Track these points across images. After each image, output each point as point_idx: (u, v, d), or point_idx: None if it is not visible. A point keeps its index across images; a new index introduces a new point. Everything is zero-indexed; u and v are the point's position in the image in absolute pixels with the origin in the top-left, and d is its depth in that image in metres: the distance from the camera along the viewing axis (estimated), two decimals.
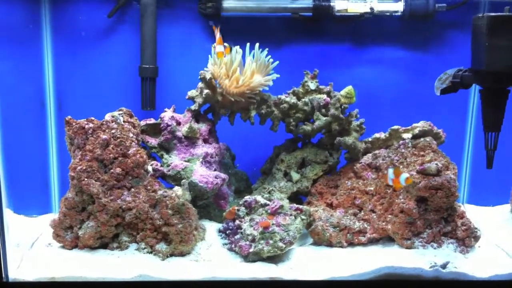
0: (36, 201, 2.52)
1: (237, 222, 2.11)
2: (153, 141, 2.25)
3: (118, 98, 2.47)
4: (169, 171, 2.16)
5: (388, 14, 2.41)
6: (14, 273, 1.84)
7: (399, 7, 2.40)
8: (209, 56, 2.26)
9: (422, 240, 2.03)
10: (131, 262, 1.94)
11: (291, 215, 2.06)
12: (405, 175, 1.93)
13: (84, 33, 2.44)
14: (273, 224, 2.00)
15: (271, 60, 2.27)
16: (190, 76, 2.33)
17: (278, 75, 2.28)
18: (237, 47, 2.25)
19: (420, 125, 2.26)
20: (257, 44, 2.25)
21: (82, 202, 2.01)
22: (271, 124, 2.36)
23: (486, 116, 1.93)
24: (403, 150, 2.21)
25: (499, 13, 1.82)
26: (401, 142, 2.25)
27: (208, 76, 2.23)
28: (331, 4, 2.39)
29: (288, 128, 2.37)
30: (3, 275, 1.82)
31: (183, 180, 2.13)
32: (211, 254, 2.04)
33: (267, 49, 2.26)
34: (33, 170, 2.52)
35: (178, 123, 2.26)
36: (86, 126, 2.02)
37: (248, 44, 2.25)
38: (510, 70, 1.83)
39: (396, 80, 2.54)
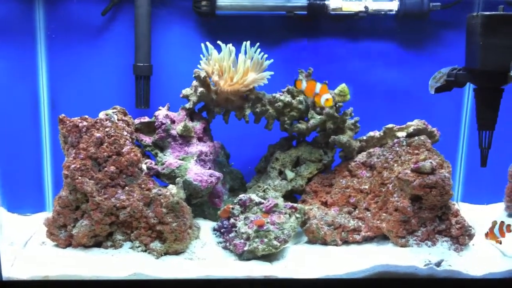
0: (30, 199, 2.51)
1: (231, 220, 2.10)
2: (147, 140, 2.25)
3: (112, 96, 2.47)
4: (163, 169, 2.16)
5: (382, 13, 2.41)
6: (8, 272, 1.83)
7: (394, 6, 2.40)
8: (201, 55, 2.26)
9: (416, 238, 2.03)
10: (125, 260, 1.93)
11: (285, 213, 2.06)
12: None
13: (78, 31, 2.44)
14: (267, 222, 2.00)
15: (266, 56, 2.26)
16: (184, 74, 2.33)
17: (273, 73, 2.28)
18: (230, 45, 2.25)
19: (415, 124, 2.26)
20: (248, 42, 2.24)
21: (76, 200, 2.00)
22: (265, 123, 2.36)
23: (480, 114, 1.93)
24: (397, 149, 2.21)
25: (493, 12, 1.83)
26: (395, 140, 2.25)
27: (202, 74, 2.23)
28: (326, 2, 2.39)
29: (283, 126, 2.37)
30: None
31: (178, 179, 2.12)
32: (205, 253, 2.04)
33: (257, 43, 2.25)
34: (26, 168, 2.51)
35: (173, 122, 2.26)
36: (80, 124, 2.02)
37: (244, 43, 2.24)
38: (504, 69, 1.83)
39: (391, 79, 2.55)
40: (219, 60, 2.25)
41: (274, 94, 2.33)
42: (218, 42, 2.25)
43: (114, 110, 2.16)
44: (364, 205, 2.19)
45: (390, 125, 2.29)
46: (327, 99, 2.12)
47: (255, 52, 2.25)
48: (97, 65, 2.47)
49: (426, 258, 1.92)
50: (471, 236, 2.05)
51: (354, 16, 2.41)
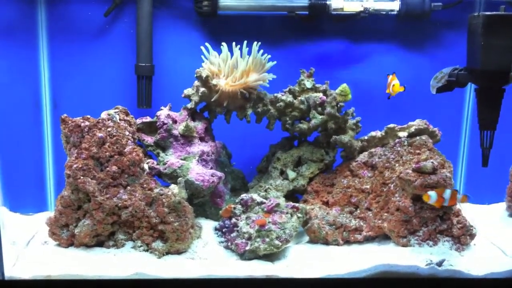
0: (32, 199, 2.52)
1: (233, 220, 2.11)
2: (149, 139, 2.25)
3: (114, 97, 2.47)
4: (165, 169, 2.16)
5: (384, 13, 2.42)
6: (10, 271, 1.84)
7: (395, 6, 2.40)
8: (202, 56, 2.26)
9: (418, 238, 2.03)
10: (127, 260, 1.94)
11: (287, 213, 2.07)
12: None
13: (80, 31, 2.44)
14: (269, 222, 2.01)
15: (269, 56, 2.27)
16: (186, 74, 2.33)
17: (275, 76, 2.28)
18: (233, 45, 2.25)
19: (416, 124, 2.26)
20: (255, 43, 2.25)
21: (78, 200, 2.00)
22: (267, 123, 2.36)
23: (482, 114, 1.94)
24: (399, 149, 2.21)
25: (494, 12, 1.83)
26: (397, 140, 2.25)
27: (204, 74, 2.23)
28: (327, 2, 2.39)
29: (284, 126, 2.37)
30: None
31: (179, 178, 2.13)
32: (207, 252, 2.04)
33: (259, 43, 2.25)
34: (29, 168, 2.52)
35: (174, 121, 2.26)
36: (82, 124, 2.02)
37: (245, 42, 2.25)
38: (506, 69, 1.84)
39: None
40: (221, 61, 2.25)
41: (275, 94, 2.33)
42: (223, 43, 2.25)
43: (116, 110, 2.16)
44: (365, 205, 2.19)
45: (391, 125, 2.30)
46: (393, 85, 2.15)
47: (257, 52, 2.25)
48: (99, 65, 2.48)
49: (427, 258, 1.92)
50: (472, 236, 2.06)
51: (355, 16, 2.41)
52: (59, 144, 2.16)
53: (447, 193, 1.95)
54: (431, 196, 1.94)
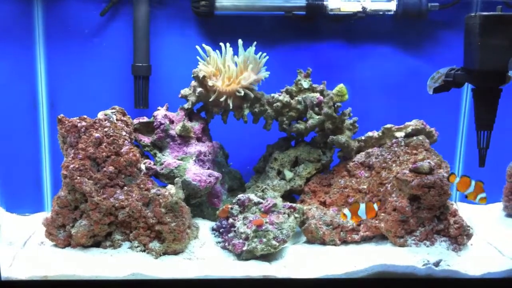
0: (29, 199, 2.51)
1: (230, 220, 2.11)
2: (146, 140, 2.25)
3: (111, 97, 2.47)
4: (162, 169, 2.16)
5: (381, 13, 2.42)
6: (7, 272, 1.83)
7: (392, 6, 2.40)
8: (198, 57, 2.26)
9: (415, 238, 2.03)
10: (124, 260, 1.93)
11: (284, 213, 2.07)
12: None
13: (77, 31, 2.44)
14: (266, 222, 2.01)
15: (264, 54, 2.26)
16: (183, 74, 2.33)
17: (269, 73, 2.28)
18: (228, 45, 2.25)
19: (413, 124, 2.26)
20: (253, 43, 2.25)
21: (75, 200, 2.00)
22: (264, 123, 2.36)
23: (479, 114, 1.94)
24: (396, 149, 2.22)
25: (491, 12, 1.83)
26: (394, 140, 2.25)
27: (201, 74, 2.23)
28: (324, 3, 2.39)
29: (281, 126, 2.37)
30: None
31: (176, 179, 2.12)
32: (204, 253, 2.04)
33: (255, 43, 2.25)
34: (25, 168, 2.51)
35: (171, 122, 2.26)
36: (79, 125, 2.02)
37: (240, 42, 2.25)
38: (502, 69, 1.84)
39: (389, 79, 2.55)
40: (216, 61, 2.25)
41: (272, 94, 2.33)
42: (221, 44, 2.25)
43: (113, 110, 2.16)
44: None
45: (388, 125, 2.30)
46: (481, 198, 1.94)
47: (250, 51, 2.25)
48: (96, 65, 2.47)
49: (424, 258, 1.92)
50: (469, 236, 2.06)
51: (352, 16, 2.41)
52: (55, 144, 2.16)
53: (362, 208, 1.95)
54: (347, 215, 1.96)
